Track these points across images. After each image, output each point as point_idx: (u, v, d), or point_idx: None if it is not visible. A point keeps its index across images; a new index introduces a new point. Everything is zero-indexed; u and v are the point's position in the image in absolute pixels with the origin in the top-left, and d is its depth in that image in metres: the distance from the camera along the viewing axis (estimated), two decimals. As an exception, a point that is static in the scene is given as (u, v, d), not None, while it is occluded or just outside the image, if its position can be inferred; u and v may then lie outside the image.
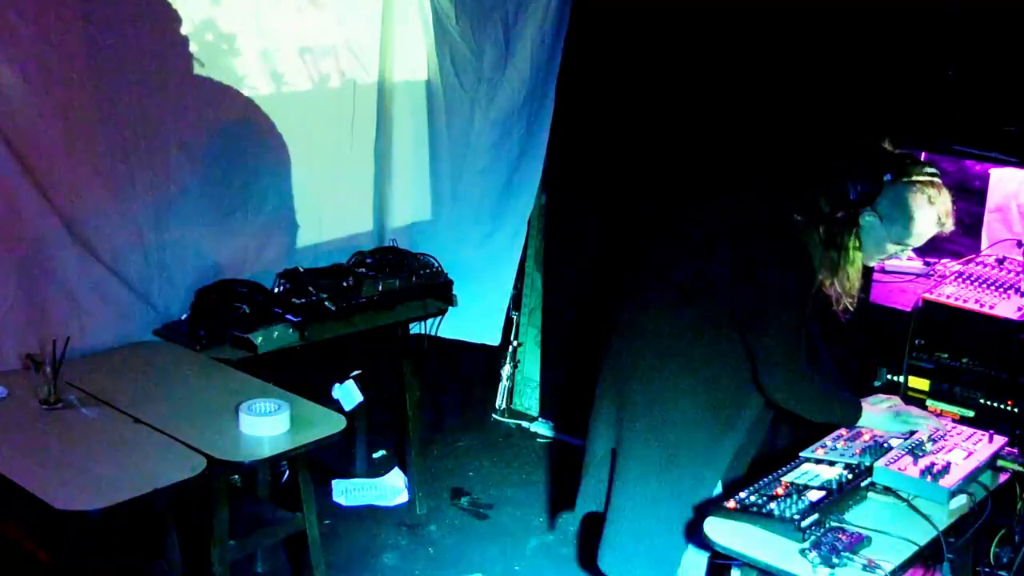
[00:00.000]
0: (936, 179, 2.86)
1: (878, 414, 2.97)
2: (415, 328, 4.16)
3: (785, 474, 2.72)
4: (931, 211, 2.83)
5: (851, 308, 2.90)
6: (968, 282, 3.55)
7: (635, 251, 3.21)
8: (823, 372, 3.05)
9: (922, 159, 3.08)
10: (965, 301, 3.43)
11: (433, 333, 4.22)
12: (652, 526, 3.01)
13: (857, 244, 2.87)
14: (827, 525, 2.52)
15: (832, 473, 2.70)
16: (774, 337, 2.83)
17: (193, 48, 3.52)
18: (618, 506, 3.07)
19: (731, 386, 2.93)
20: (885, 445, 2.87)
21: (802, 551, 2.43)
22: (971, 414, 3.39)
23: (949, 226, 2.88)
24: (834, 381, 3.07)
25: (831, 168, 2.90)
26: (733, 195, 3.06)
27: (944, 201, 2.84)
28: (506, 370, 5.03)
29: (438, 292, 4.03)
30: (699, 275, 2.93)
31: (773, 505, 2.54)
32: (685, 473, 2.97)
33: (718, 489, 3.06)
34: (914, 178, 2.82)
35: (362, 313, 3.79)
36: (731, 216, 2.98)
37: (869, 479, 2.72)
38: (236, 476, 3.49)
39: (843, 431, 2.99)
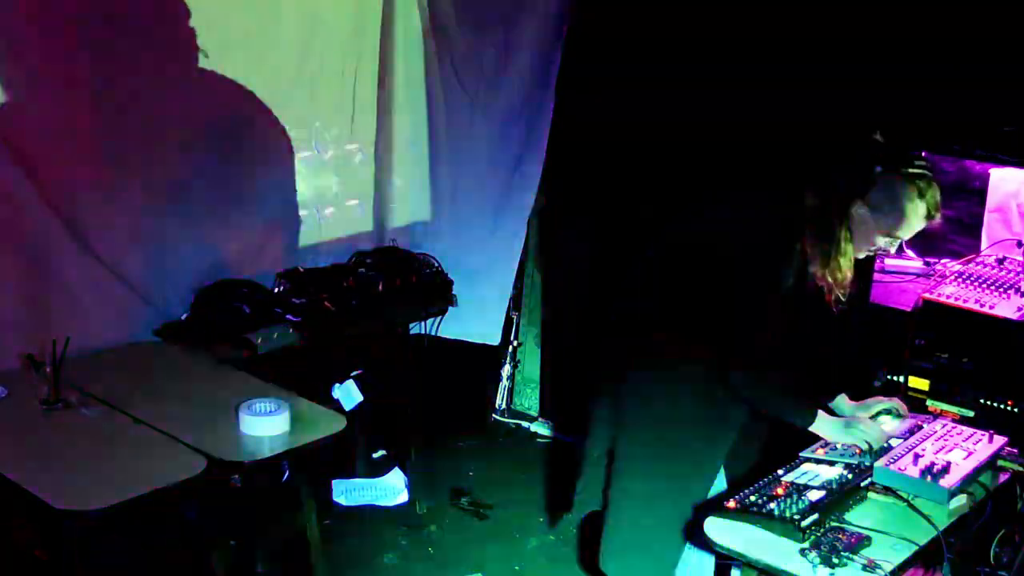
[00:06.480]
0: (927, 172, 2.85)
1: (830, 421, 2.95)
2: (415, 328, 4.16)
3: (785, 474, 2.73)
4: (921, 204, 2.82)
5: (843, 299, 2.90)
6: (968, 282, 3.55)
7: (631, 252, 3.21)
8: (795, 371, 3.04)
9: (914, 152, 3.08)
10: (965, 301, 3.43)
11: (433, 333, 4.22)
12: (650, 526, 3.01)
13: (848, 236, 2.87)
14: (827, 525, 2.52)
15: (832, 473, 2.70)
16: (745, 326, 2.85)
17: (193, 48, 3.51)
18: (616, 507, 3.09)
19: (722, 383, 2.93)
20: (885, 445, 2.87)
21: (802, 551, 2.43)
22: (971, 414, 3.39)
23: (938, 218, 2.88)
24: (800, 382, 3.04)
25: (823, 161, 2.91)
26: (728, 194, 3.07)
27: (934, 194, 2.83)
28: (506, 370, 5.03)
29: (438, 292, 4.04)
30: (691, 274, 2.95)
31: (773, 505, 2.54)
32: (681, 472, 2.98)
33: (719, 485, 3.07)
34: (905, 170, 2.82)
35: (362, 313, 3.79)
36: (725, 213, 2.99)
37: (869, 479, 2.72)
38: (236, 476, 3.48)
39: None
